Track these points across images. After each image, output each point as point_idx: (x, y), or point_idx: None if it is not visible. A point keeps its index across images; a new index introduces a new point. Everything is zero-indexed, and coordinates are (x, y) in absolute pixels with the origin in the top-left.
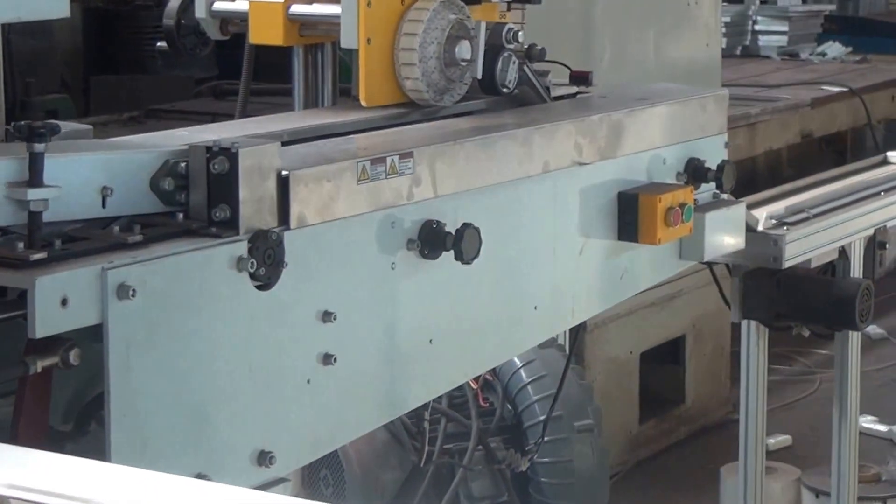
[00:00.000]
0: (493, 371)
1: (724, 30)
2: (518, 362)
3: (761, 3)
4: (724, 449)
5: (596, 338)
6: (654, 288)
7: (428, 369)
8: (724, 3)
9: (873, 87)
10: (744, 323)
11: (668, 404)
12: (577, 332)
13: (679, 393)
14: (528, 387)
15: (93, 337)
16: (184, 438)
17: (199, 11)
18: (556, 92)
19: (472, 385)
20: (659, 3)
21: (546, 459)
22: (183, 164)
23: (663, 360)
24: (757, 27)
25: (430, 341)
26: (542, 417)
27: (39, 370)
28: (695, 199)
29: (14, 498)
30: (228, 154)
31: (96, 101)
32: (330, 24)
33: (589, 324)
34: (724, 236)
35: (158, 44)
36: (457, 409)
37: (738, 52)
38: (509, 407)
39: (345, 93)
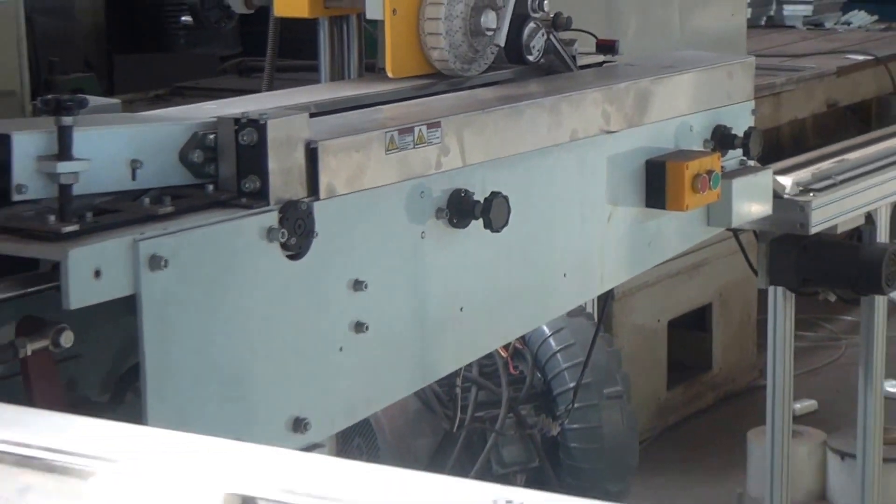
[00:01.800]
0: (523, 339)
1: (748, 1)
2: (547, 331)
3: None
4: (751, 414)
5: (623, 306)
6: (682, 256)
7: (458, 337)
8: None
9: None
10: (770, 289)
11: (696, 371)
12: (606, 300)
13: (706, 360)
14: (558, 355)
15: (126, 308)
16: (219, 407)
17: None
18: (582, 61)
19: (502, 353)
20: None
21: (576, 426)
22: (211, 137)
23: (690, 328)
24: None
25: (461, 309)
26: (571, 385)
27: (29, 353)
28: (722, 167)
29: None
30: (257, 125)
31: (121, 80)
32: None
33: (616, 292)
34: (751, 203)
35: (183, 18)
36: (487, 378)
37: (762, 23)
38: (539, 375)
39: (370, 69)
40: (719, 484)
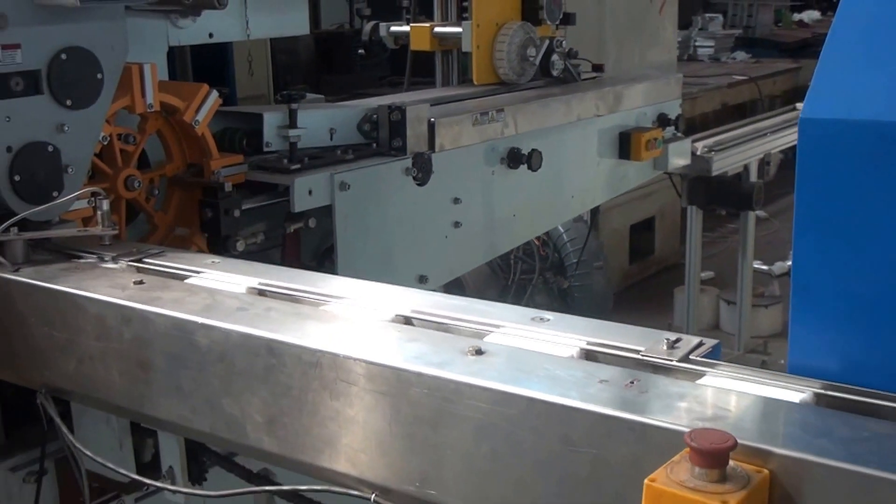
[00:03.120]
0: (548, 233)
1: (677, 44)
2: (561, 229)
3: (699, 29)
4: (677, 279)
5: (605, 216)
6: (639, 188)
7: (511, 231)
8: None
9: (763, 77)
10: (689, 208)
11: (645, 254)
12: (595, 212)
13: (651, 248)
14: (567, 243)
15: (326, 212)
16: (378, 268)
17: (382, 31)
18: (584, 76)
19: (536, 241)
20: (641, 27)
21: (577, 283)
22: (375, 116)
23: (643, 229)
24: (696, 43)
25: (514, 216)
26: (575, 260)
27: (292, 231)
28: (663, 136)
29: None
30: (401, 110)
31: (324, 90)
32: (456, 38)
33: (601, 207)
34: (679, 157)
35: (359, 51)
36: (527, 255)
37: (685, 58)
38: (557, 255)
39: (463, 82)
40: (658, 317)
